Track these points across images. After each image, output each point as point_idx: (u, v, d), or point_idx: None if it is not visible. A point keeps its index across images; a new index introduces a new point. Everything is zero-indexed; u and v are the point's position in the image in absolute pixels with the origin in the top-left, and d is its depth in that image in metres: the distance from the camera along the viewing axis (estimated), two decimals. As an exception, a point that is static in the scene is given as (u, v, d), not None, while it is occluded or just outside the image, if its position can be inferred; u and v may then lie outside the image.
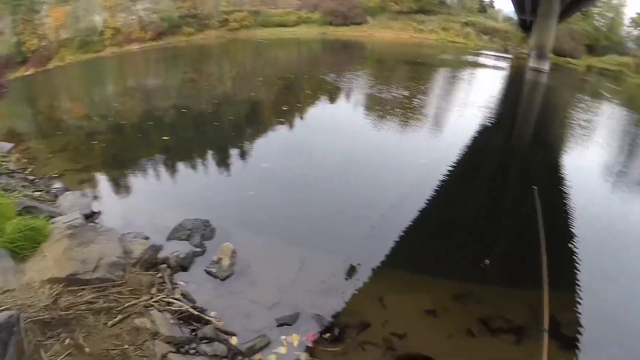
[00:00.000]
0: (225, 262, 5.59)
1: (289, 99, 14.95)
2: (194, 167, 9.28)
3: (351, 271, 6.21)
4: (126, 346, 3.83)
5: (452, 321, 5.81)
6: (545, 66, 26.63)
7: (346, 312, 5.44)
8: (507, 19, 40.18)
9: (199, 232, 6.30)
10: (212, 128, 11.63)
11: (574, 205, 9.74)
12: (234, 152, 10.11)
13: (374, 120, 13.23)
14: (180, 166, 9.21)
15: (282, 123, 12.44)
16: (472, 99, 17.66)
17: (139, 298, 4.48)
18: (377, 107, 14.55)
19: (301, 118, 13.26)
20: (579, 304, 6.70)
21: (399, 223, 7.78)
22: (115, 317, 4.09)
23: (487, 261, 7.03)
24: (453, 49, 29.59)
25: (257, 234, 6.84)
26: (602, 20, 38.66)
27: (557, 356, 5.45)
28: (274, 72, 19.75)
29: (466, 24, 36.38)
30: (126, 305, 4.30)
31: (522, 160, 12.39)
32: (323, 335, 4.95)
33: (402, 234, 7.52)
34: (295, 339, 4.82)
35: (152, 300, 4.54)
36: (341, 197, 8.49)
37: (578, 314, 6.44)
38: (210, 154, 9.95)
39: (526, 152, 13.32)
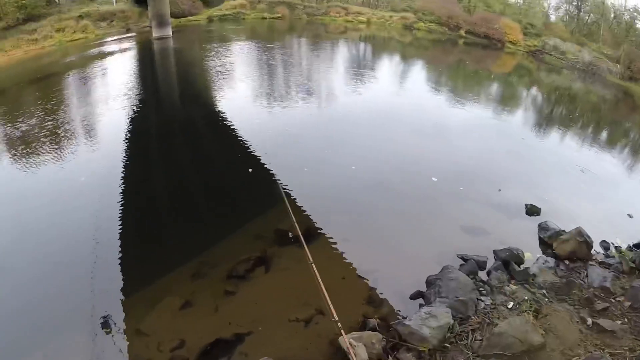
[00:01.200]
0: None
1: None
2: None
3: (103, 328, 5.70)
4: None
5: (207, 297, 6.09)
6: (169, 32, 27.55)
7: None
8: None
9: None
10: None
11: (254, 135, 11.08)
12: None
13: (14, 165, 11.04)
14: None
15: None
16: (111, 91, 16.94)
17: None
18: (10, 149, 12.05)
19: None
20: (301, 208, 7.99)
21: (108, 252, 7.27)
22: None
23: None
24: (74, 48, 27.17)
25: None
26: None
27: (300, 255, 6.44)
28: None
29: (80, 17, 33.39)
30: None
31: (185, 123, 13.20)
32: None
33: (119, 260, 7.10)
34: None
35: None
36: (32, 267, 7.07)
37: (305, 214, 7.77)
38: None
39: (184, 114, 14.16)
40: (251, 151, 10.38)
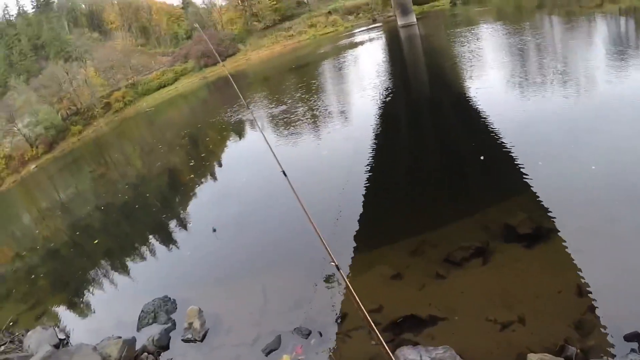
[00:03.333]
0: (197, 324, 5.68)
1: (195, 153, 15.06)
2: (131, 256, 9.21)
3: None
4: None
5: (418, 274, 6.08)
6: (413, 19, 28.10)
7: (320, 313, 5.67)
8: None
9: (162, 310, 6.35)
10: (135, 213, 11.54)
11: (495, 123, 10.54)
12: (159, 225, 10.13)
13: (282, 136, 13.52)
14: (119, 261, 9.13)
15: (197, 178, 12.52)
16: (362, 76, 18.33)
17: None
18: (279, 122, 14.85)
19: (215, 164, 13.48)
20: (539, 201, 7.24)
21: (348, 213, 8.14)
22: None
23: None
24: (327, 40, 30.58)
25: (213, 286, 6.98)
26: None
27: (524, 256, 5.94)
28: (171, 134, 19.68)
29: (329, 12, 37.59)
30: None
31: (432, 107, 13.23)
32: (310, 343, 5.18)
33: (354, 222, 7.82)
34: (286, 359, 5.00)
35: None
36: (282, 223, 8.66)
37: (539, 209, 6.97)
38: (141, 237, 9.94)
39: (432, 99, 14.20)
40: (493, 138, 9.80)
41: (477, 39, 21.05)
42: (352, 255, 6.92)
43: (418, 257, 6.50)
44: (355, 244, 7.17)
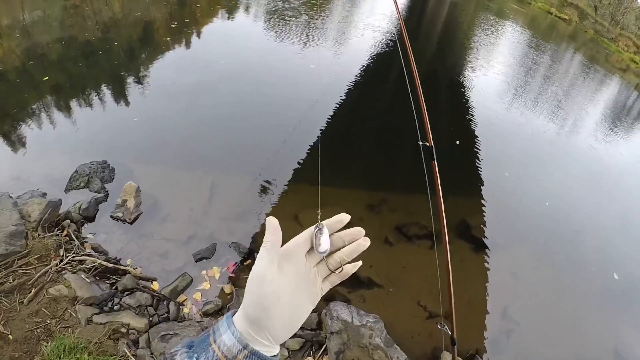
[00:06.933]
0: (131, 203, 5.15)
1: (181, 15, 13.75)
2: (79, 104, 8.18)
3: (264, 191, 6.09)
4: (48, 321, 3.64)
5: (369, 232, 5.74)
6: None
7: (263, 235, 5.34)
8: None
9: (97, 176, 5.70)
10: (96, 57, 10.29)
11: (477, 119, 10.38)
12: (117, 79, 9.09)
13: (272, 33, 12.77)
14: (65, 107, 8.09)
15: (172, 41, 11.44)
16: (373, 12, 17.58)
17: (48, 264, 4.13)
18: (274, 18, 14.04)
19: (195, 34, 12.30)
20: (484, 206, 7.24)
21: (308, 134, 7.78)
22: (30, 292, 3.81)
23: None
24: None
25: (159, 164, 6.34)
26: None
27: (469, 258, 5.96)
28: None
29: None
30: (37, 276, 3.96)
31: (428, 74, 12.65)
32: (244, 263, 4.86)
33: (311, 145, 7.49)
34: (216, 272, 4.70)
35: (63, 263, 4.21)
36: (243, 112, 8.10)
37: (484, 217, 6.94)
38: (95, 87, 8.78)
39: (430, 67, 13.68)
40: (471, 130, 9.63)
41: (498, 33, 20.60)
42: (303, 183, 6.59)
43: (374, 214, 6.34)
44: (309, 173, 6.84)
